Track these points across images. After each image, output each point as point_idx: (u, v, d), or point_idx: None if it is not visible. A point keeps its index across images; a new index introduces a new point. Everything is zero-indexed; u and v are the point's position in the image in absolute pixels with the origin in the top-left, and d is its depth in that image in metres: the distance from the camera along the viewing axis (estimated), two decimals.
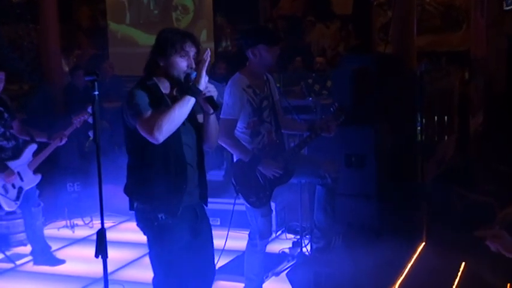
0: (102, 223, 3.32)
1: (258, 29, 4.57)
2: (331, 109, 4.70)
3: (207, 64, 3.33)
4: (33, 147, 5.75)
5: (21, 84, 9.63)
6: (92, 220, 7.16)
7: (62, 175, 7.39)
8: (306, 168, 4.68)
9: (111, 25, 14.68)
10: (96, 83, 3.28)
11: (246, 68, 4.52)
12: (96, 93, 3.26)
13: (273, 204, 5.82)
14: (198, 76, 3.31)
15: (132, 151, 3.43)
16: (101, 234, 3.29)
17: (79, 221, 7.15)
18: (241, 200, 4.54)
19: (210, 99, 3.34)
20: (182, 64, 3.35)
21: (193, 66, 3.37)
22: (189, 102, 3.27)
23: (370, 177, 5.55)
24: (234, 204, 4.75)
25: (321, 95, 8.86)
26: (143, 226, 3.47)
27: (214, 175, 7.39)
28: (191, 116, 3.44)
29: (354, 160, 5.58)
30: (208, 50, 3.41)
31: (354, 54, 10.03)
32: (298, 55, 11.80)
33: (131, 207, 3.48)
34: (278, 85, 5.11)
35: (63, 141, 5.66)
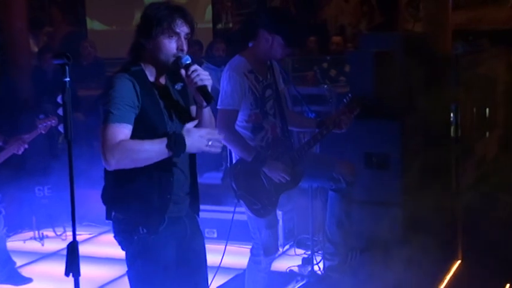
0: (74, 234, 3.30)
1: (286, 19, 4.57)
2: (344, 100, 4.73)
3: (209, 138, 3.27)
4: None
5: None
6: (65, 231, 7.17)
7: (30, 177, 7.37)
8: (316, 170, 4.71)
9: None
10: (67, 68, 3.20)
11: (248, 49, 4.54)
12: (67, 79, 3.18)
13: (279, 213, 5.84)
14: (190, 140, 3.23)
15: None
16: (72, 247, 3.29)
17: (49, 232, 7.17)
18: (243, 208, 4.56)
19: (202, 90, 3.29)
20: (170, 46, 3.31)
21: (185, 48, 3.34)
22: (164, 155, 3.22)
23: (394, 181, 5.57)
24: (234, 212, 4.76)
25: (338, 82, 8.86)
26: (121, 239, 3.45)
27: (210, 178, 7.40)
28: (182, 109, 3.44)
29: (375, 160, 5.60)
30: (195, 65, 3.33)
31: (376, 34, 10.01)
32: (311, 34, 11.78)
33: (108, 216, 3.46)
34: (286, 71, 5.14)
35: (21, 150, 5.65)
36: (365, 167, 5.56)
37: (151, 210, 3.35)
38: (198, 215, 3.62)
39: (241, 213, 4.65)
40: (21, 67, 8.83)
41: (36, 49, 11.06)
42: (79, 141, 8.26)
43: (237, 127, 4.48)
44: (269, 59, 4.59)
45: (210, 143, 3.26)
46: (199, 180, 6.04)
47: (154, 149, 3.20)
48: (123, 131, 3.20)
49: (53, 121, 5.76)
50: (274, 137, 4.57)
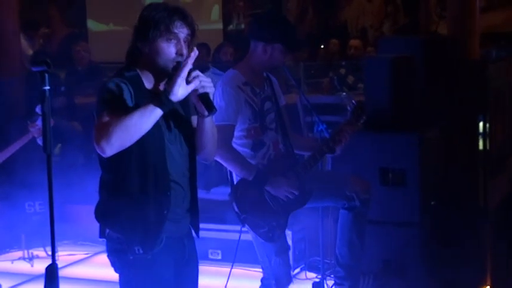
0: (53, 255, 3.33)
1: (281, 25, 4.66)
2: (348, 108, 4.76)
3: (186, 69, 3.26)
4: None
5: None
6: (57, 251, 7.11)
7: (19, 192, 7.40)
8: (328, 188, 4.74)
9: None
10: (46, 75, 3.23)
11: (242, 62, 4.67)
12: (47, 88, 3.22)
13: (289, 233, 5.82)
14: (171, 83, 3.26)
15: (103, 161, 3.42)
16: (51, 271, 3.30)
17: (40, 252, 7.15)
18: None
19: (204, 97, 3.31)
20: (169, 50, 3.34)
21: (185, 52, 3.36)
22: (152, 114, 3.22)
23: (412, 199, 5.53)
24: (241, 232, 4.76)
25: (356, 90, 8.85)
26: (115, 260, 3.48)
27: (218, 193, 7.39)
28: (181, 119, 3.46)
29: (392, 176, 5.57)
30: (195, 50, 3.34)
31: (395, 37, 10.00)
32: (330, 37, 11.81)
33: (101, 234, 3.50)
34: (295, 78, 5.18)
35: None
36: (380, 184, 5.52)
37: (147, 228, 3.36)
38: (197, 235, 3.63)
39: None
40: (12, 72, 8.85)
41: (31, 52, 11.13)
42: (75, 153, 8.34)
43: (235, 145, 4.52)
44: (268, 69, 4.69)
45: (194, 78, 3.25)
46: (207, 196, 6.10)
47: (139, 112, 3.20)
48: (116, 113, 3.21)
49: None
50: (277, 153, 4.61)
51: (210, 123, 3.45)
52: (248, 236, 4.70)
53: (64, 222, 7.37)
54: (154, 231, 3.38)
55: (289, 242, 5.68)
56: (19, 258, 7.08)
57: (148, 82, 3.41)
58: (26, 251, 7.10)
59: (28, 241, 7.15)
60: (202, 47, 10.07)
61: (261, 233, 4.49)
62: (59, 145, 8.98)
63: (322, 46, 12.03)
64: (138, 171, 3.34)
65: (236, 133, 4.49)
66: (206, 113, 3.36)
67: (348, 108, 4.82)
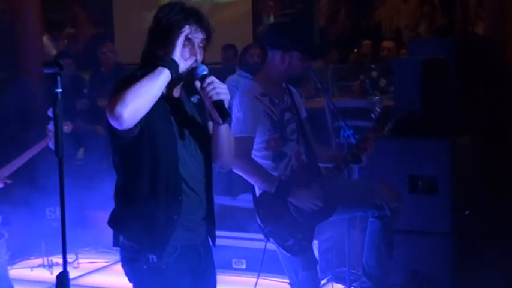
0: (65, 263, 3.37)
1: (298, 32, 4.73)
2: (372, 115, 4.76)
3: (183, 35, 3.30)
4: None
5: None
6: (77, 258, 7.22)
7: (40, 197, 7.46)
8: (355, 197, 4.77)
9: None
10: (58, 78, 3.26)
11: (261, 72, 4.70)
12: (59, 90, 3.26)
13: (315, 243, 5.81)
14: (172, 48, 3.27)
15: (117, 166, 3.45)
16: (62, 279, 3.34)
17: (60, 259, 7.15)
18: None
19: (218, 105, 3.30)
20: (184, 55, 3.32)
21: (199, 57, 3.36)
22: (161, 74, 3.21)
23: (443, 207, 5.50)
24: (266, 241, 4.77)
25: (389, 94, 8.81)
26: (129, 269, 3.49)
27: (243, 200, 7.40)
28: (197, 125, 3.47)
29: (422, 184, 5.56)
30: (212, 77, 3.34)
31: (428, 38, 9.94)
32: (362, 38, 11.78)
33: (115, 243, 3.51)
34: (321, 81, 5.18)
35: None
36: (409, 192, 5.51)
37: (156, 233, 3.37)
38: (214, 244, 3.63)
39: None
40: (34, 75, 8.93)
41: (55, 53, 11.21)
42: (97, 157, 8.39)
43: (256, 158, 4.55)
44: (288, 79, 4.72)
45: (208, 84, 3.28)
46: (232, 203, 6.11)
47: (148, 76, 3.19)
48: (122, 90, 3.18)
49: (66, 127, 5.77)
50: (300, 163, 4.63)
51: (226, 131, 3.45)
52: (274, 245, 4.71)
53: (85, 228, 7.45)
54: (163, 236, 3.38)
55: (316, 253, 5.70)
56: (39, 266, 7.12)
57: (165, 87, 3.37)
58: (45, 258, 7.13)
59: (48, 248, 7.18)
60: (229, 48, 10.12)
61: (286, 246, 4.51)
62: (82, 149, 9.06)
63: (355, 50, 11.97)
64: (148, 175, 3.34)
65: (256, 145, 4.53)
66: (221, 120, 3.36)
67: (372, 115, 4.81)
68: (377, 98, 8.14)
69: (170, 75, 3.24)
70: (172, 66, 3.25)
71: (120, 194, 3.45)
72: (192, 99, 3.49)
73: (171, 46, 3.30)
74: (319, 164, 4.83)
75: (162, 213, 3.36)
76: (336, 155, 4.94)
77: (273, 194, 4.48)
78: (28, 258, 7.25)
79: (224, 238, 6.04)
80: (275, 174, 4.53)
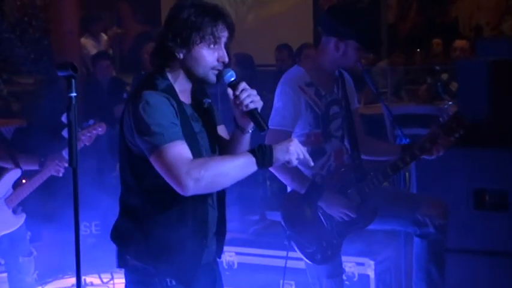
0: (79, 284, 3.41)
1: (358, 18, 4.64)
2: (441, 119, 4.70)
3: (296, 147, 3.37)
4: (15, 173, 5.91)
5: (22, 78, 9.89)
6: (112, 278, 7.32)
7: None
8: (395, 209, 4.71)
9: None
10: (73, 81, 3.28)
11: (311, 58, 4.62)
12: (74, 95, 3.28)
13: (371, 263, 5.82)
14: (285, 151, 3.34)
15: (130, 183, 3.45)
16: None
17: (94, 279, 7.33)
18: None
19: (253, 114, 3.34)
20: (211, 57, 3.36)
21: (226, 59, 3.40)
22: (251, 170, 3.26)
23: None
24: (287, 258, 4.78)
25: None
26: None
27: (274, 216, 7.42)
28: (212, 131, 3.51)
29: (489, 199, 5.51)
30: (244, 84, 3.37)
31: (498, 38, 9.82)
32: (435, 37, 11.72)
33: (120, 263, 3.55)
34: (376, 84, 5.16)
35: (61, 171, 5.73)
36: (475, 208, 5.47)
37: (184, 259, 3.41)
38: (219, 257, 3.68)
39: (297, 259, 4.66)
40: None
41: (94, 52, 11.36)
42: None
43: None
44: (339, 69, 4.67)
45: (242, 92, 3.31)
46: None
47: (239, 162, 3.24)
48: (183, 147, 3.21)
49: (99, 129, 5.81)
50: (339, 164, 4.62)
51: (247, 139, 3.51)
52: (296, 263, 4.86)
53: None
54: (193, 262, 3.44)
55: (371, 274, 5.71)
56: (72, 286, 7.18)
57: (181, 93, 3.41)
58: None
59: (82, 266, 7.23)
60: (284, 48, 10.17)
61: (308, 253, 4.52)
62: None
63: (418, 50, 11.88)
64: (175, 200, 3.33)
65: (294, 137, 4.46)
66: (250, 129, 3.43)
67: (441, 119, 4.76)
68: (450, 103, 8.08)
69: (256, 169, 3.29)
70: (266, 161, 3.29)
71: (134, 209, 3.44)
72: (204, 103, 3.54)
73: (196, 49, 3.33)
74: (369, 157, 4.83)
75: (190, 238, 3.41)
76: (392, 149, 4.92)
77: (303, 195, 4.48)
78: (61, 278, 7.34)
79: (271, 257, 6.08)
80: (310, 172, 4.52)
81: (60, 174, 5.78)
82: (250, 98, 3.31)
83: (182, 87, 3.42)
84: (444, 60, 10.91)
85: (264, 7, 14.29)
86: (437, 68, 9.45)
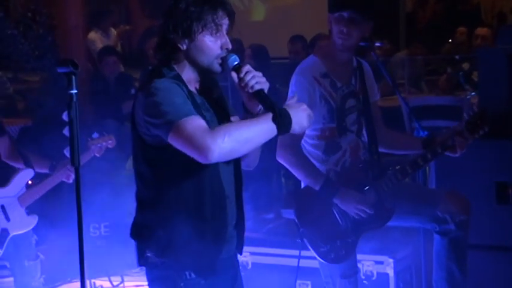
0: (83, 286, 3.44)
1: None
2: (465, 115, 4.67)
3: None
4: (28, 173, 5.98)
5: (27, 76, 9.92)
6: (123, 281, 7.37)
7: (83, 212, 7.56)
8: (414, 205, 4.69)
9: None
10: (73, 78, 3.31)
11: (324, 47, 4.58)
12: (74, 91, 3.32)
13: (390, 261, 5.82)
14: (298, 112, 3.38)
15: (146, 177, 3.51)
16: None
17: (104, 282, 7.37)
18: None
19: (260, 95, 3.38)
20: (214, 45, 3.44)
21: (230, 46, 3.47)
22: (268, 133, 3.31)
23: None
24: (300, 257, 4.84)
25: None
26: None
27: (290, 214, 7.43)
28: (220, 119, 3.54)
29: None
30: (248, 66, 3.42)
31: None
32: (456, 25, 11.69)
33: (141, 260, 3.58)
34: (391, 76, 5.14)
35: (72, 177, 5.79)
36: (497, 202, 5.47)
37: (204, 250, 3.48)
38: (240, 252, 3.74)
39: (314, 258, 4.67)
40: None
41: (100, 46, 11.37)
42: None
43: (306, 145, 4.55)
44: (356, 58, 4.64)
45: (246, 74, 3.36)
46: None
47: (259, 126, 3.29)
48: (201, 120, 3.28)
49: (110, 141, 5.96)
50: (355, 160, 4.61)
51: None
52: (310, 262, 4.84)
53: (133, 246, 7.56)
54: (212, 254, 3.51)
55: (391, 273, 5.70)
56: None
57: (188, 83, 3.48)
58: (88, 281, 7.25)
59: (91, 269, 7.30)
60: (297, 40, 10.15)
61: (321, 252, 4.53)
62: (130, 160, 9.20)
63: (450, 40, 11.85)
64: (193, 188, 3.43)
65: (308, 131, 4.48)
66: (258, 110, 3.45)
67: (465, 115, 4.74)
68: (472, 94, 8.06)
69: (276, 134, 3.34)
70: (285, 126, 3.35)
71: (151, 204, 3.51)
72: (214, 93, 3.61)
73: (199, 38, 3.41)
74: (387, 151, 4.83)
75: (209, 229, 3.48)
76: (406, 140, 4.94)
77: (317, 192, 4.47)
78: (70, 281, 7.39)
79: (287, 257, 6.08)
80: (324, 167, 4.53)
81: (71, 181, 5.88)
82: (255, 79, 3.36)
83: (189, 78, 3.50)
84: (466, 49, 10.85)
85: None
86: (457, 57, 9.42)
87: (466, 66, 9.28)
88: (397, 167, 4.72)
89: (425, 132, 5.11)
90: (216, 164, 3.42)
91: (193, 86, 3.51)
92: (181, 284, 3.48)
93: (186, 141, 3.22)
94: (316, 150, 4.57)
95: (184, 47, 3.45)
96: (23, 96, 10.24)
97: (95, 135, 5.99)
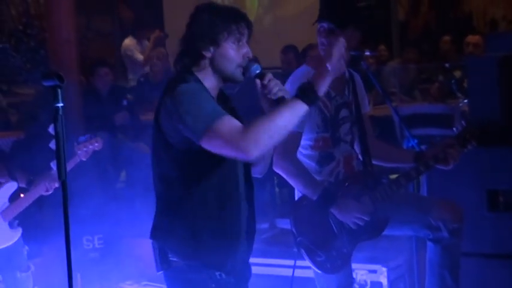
0: None
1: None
2: (455, 129, 4.71)
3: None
4: (11, 186, 5.98)
5: (19, 88, 9.92)
6: None
7: (76, 223, 7.51)
8: (406, 213, 4.70)
9: None
10: (59, 91, 3.29)
11: (315, 57, 4.65)
12: (60, 105, 3.30)
13: (383, 270, 5.85)
14: (320, 78, 3.52)
15: (174, 176, 3.59)
16: None
17: None
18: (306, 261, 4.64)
19: (282, 102, 3.48)
20: (237, 54, 3.60)
21: (251, 55, 3.62)
22: (302, 112, 3.44)
23: None
24: (294, 267, 4.81)
25: None
26: None
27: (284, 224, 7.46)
28: None
29: (503, 200, 5.53)
30: (270, 74, 3.56)
31: (508, 32, 9.80)
32: (448, 33, 11.72)
33: (163, 265, 3.64)
34: (380, 83, 5.16)
35: (51, 189, 5.81)
36: (488, 210, 5.50)
37: (225, 248, 3.62)
38: (249, 257, 3.84)
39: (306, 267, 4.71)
40: (70, 85, 9.06)
41: (140, 57, 11.23)
42: (137, 179, 8.57)
43: (300, 156, 4.56)
44: (348, 69, 4.67)
45: (269, 81, 3.52)
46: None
47: (287, 110, 3.42)
48: (232, 119, 3.42)
49: (96, 144, 5.88)
50: (348, 170, 4.64)
51: None
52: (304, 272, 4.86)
53: (128, 259, 7.58)
54: (234, 253, 3.65)
55: (384, 281, 5.73)
56: None
57: (211, 91, 3.61)
58: None
59: (84, 282, 7.32)
60: (289, 50, 10.16)
61: (318, 261, 4.53)
62: (124, 172, 9.22)
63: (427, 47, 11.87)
64: (216, 190, 3.58)
65: (302, 142, 4.52)
66: None
67: (455, 129, 4.77)
68: (465, 101, 8.09)
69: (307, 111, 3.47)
70: (314, 102, 3.48)
71: (174, 207, 3.59)
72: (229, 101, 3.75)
73: (223, 47, 3.57)
74: (378, 163, 4.84)
75: (229, 229, 3.62)
76: (397, 152, 4.96)
77: (314, 202, 4.49)
78: None
79: (282, 267, 6.10)
80: (319, 178, 4.54)
81: (49, 193, 5.87)
82: (278, 86, 3.52)
83: (210, 85, 3.62)
84: (457, 57, 10.88)
85: (276, 9, 14.35)
86: (447, 65, 9.45)
87: (458, 74, 9.32)
88: (392, 177, 4.79)
89: (416, 140, 5.16)
90: (235, 166, 3.61)
91: (213, 94, 3.63)
92: (213, 286, 3.60)
93: (223, 143, 3.36)
94: (310, 161, 4.59)
95: (209, 54, 3.60)
96: (16, 109, 10.27)
97: (82, 138, 5.92)
